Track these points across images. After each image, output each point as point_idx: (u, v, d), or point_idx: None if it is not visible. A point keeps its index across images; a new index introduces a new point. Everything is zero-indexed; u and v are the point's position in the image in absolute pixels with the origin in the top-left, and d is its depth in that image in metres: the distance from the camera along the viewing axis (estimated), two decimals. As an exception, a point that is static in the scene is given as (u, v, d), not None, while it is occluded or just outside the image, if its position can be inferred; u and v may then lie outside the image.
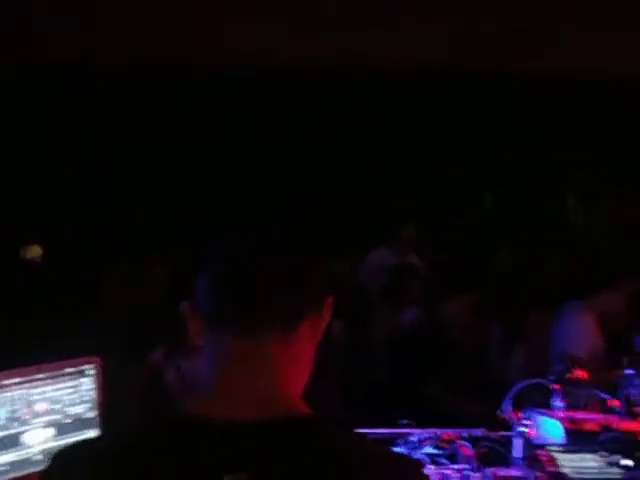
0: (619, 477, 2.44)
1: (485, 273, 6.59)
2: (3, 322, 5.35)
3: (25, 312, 5.36)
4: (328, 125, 8.89)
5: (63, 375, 2.11)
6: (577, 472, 2.49)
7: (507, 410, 2.71)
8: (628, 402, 2.74)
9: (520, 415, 2.70)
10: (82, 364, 2.17)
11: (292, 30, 8.18)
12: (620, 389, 2.83)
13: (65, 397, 2.10)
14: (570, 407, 2.78)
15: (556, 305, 4.88)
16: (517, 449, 2.63)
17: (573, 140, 8.77)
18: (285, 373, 1.25)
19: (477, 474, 2.54)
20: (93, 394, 2.17)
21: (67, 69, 8.18)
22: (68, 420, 2.11)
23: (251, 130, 8.90)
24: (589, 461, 2.53)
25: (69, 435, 2.10)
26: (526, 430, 2.63)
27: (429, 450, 2.62)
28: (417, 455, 2.61)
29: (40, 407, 2.04)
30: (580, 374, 2.80)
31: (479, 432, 2.72)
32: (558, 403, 2.76)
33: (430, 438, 2.64)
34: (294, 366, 1.27)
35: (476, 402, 3.76)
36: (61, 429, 2.08)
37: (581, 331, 4.75)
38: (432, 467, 2.59)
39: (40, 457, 2.01)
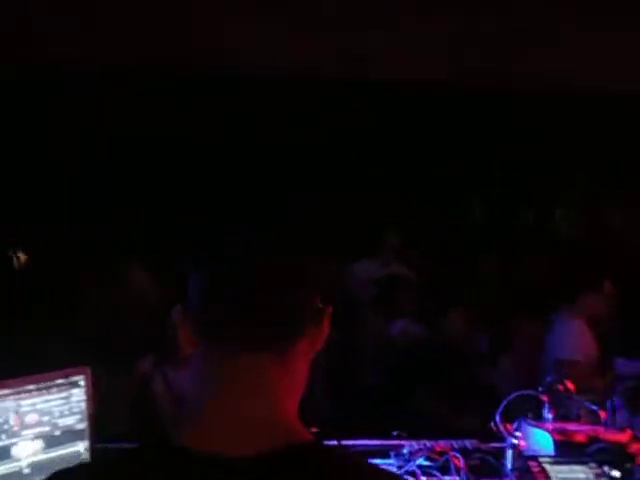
0: (608, 488, 2.45)
1: (471, 281, 6.61)
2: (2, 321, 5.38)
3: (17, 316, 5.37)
4: (328, 125, 8.88)
5: (53, 386, 2.11)
6: (567, 484, 2.51)
7: (499, 421, 2.71)
8: (614, 413, 2.75)
9: (511, 427, 2.71)
10: (73, 374, 2.16)
11: (292, 30, 8.17)
12: (608, 399, 2.84)
13: (55, 408, 2.10)
14: (561, 418, 2.79)
15: (542, 313, 4.91)
16: (508, 460, 2.63)
17: (573, 140, 8.75)
18: (283, 392, 1.20)
19: (469, 486, 2.55)
20: (83, 405, 2.16)
21: (67, 69, 8.17)
22: (58, 432, 2.10)
23: (251, 130, 8.89)
24: (578, 472, 2.54)
25: (59, 447, 2.09)
26: (517, 442, 2.64)
27: (421, 462, 2.62)
28: (409, 467, 2.61)
29: (30, 419, 2.03)
30: (570, 385, 2.81)
31: (471, 444, 2.73)
32: (547, 414, 2.77)
33: (422, 450, 2.64)
34: (291, 383, 1.23)
35: (466, 414, 3.77)
36: (51, 441, 2.07)
37: (575, 336, 4.77)
38: (424, 479, 2.59)
39: (29, 470, 2.01)
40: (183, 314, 1.24)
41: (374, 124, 8.97)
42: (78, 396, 2.16)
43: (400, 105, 8.83)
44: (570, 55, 8.12)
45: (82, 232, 7.85)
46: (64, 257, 7.16)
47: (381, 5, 8.20)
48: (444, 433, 2.83)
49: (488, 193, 10.05)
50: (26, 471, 2.00)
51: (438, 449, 2.65)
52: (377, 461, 2.61)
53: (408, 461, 2.62)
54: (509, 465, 2.63)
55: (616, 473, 2.36)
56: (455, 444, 2.69)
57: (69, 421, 2.13)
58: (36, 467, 2.01)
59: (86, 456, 2.12)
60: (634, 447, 2.53)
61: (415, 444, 2.69)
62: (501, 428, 2.67)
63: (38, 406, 2.06)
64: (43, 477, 1.19)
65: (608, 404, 2.81)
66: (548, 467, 2.57)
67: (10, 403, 1.97)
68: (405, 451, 2.67)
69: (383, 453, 2.68)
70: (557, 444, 2.66)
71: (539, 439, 2.72)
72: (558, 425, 2.75)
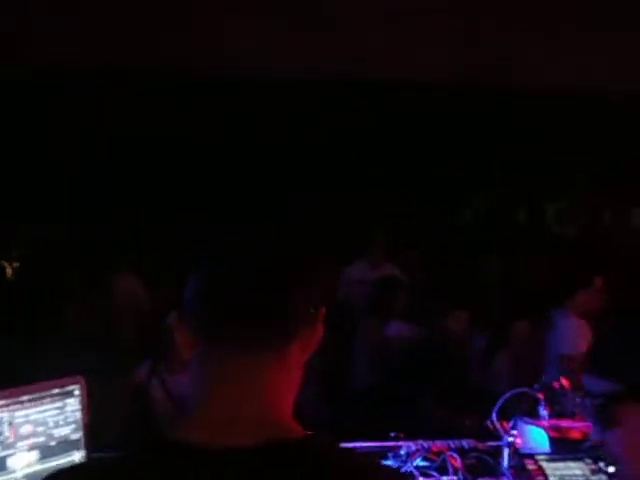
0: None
1: (471, 281, 6.62)
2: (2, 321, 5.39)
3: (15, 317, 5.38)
4: (328, 125, 8.88)
5: (48, 396, 2.10)
6: (563, 480, 2.51)
7: (495, 420, 2.72)
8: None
9: (507, 425, 2.72)
10: (68, 384, 2.16)
11: (292, 30, 8.16)
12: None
13: (50, 419, 2.09)
14: (557, 415, 2.80)
15: (541, 312, 4.94)
16: (505, 459, 2.64)
17: (573, 140, 8.75)
18: (278, 392, 1.22)
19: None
20: (78, 415, 2.15)
21: (67, 69, 8.17)
22: (53, 442, 2.09)
23: (251, 130, 8.89)
24: (574, 469, 2.54)
25: (54, 458, 2.08)
26: (513, 440, 2.65)
27: (419, 462, 2.63)
28: (407, 468, 2.62)
29: (24, 430, 2.03)
30: (565, 382, 2.82)
31: (467, 443, 2.73)
32: (543, 412, 2.78)
33: (419, 450, 2.65)
34: (286, 383, 1.24)
35: (464, 414, 3.78)
36: (46, 452, 2.07)
37: (576, 331, 4.82)
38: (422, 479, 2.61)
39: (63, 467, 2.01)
40: (179, 318, 1.25)
41: (374, 124, 8.96)
42: (72, 406, 2.15)
43: (400, 105, 8.82)
44: (570, 55, 8.11)
45: (82, 232, 7.86)
46: (64, 257, 7.17)
47: (381, 5, 8.18)
48: (441, 433, 2.84)
49: (488, 193, 10.04)
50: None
51: (435, 449, 2.66)
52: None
53: (406, 462, 2.63)
54: (506, 463, 2.63)
55: (611, 469, 2.37)
56: (452, 444, 2.70)
57: (64, 431, 2.13)
58: (32, 478, 2.01)
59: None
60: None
61: (412, 445, 2.70)
62: (497, 426, 2.68)
63: (32, 417, 2.05)
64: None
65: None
66: (544, 464, 2.58)
67: (4, 414, 1.97)
68: (402, 452, 2.68)
69: (381, 455, 2.69)
70: (552, 441, 2.67)
71: (535, 437, 2.73)
72: (553, 422, 2.75)
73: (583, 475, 2.51)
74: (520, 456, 2.66)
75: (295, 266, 1.26)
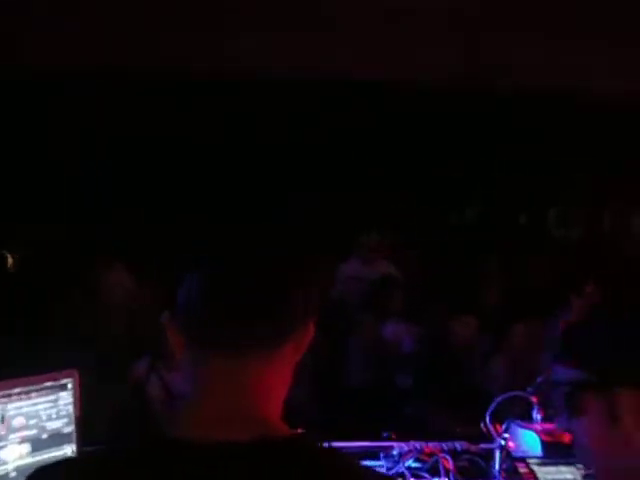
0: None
1: (471, 282, 6.61)
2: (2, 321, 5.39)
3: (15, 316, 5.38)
4: (328, 125, 8.88)
5: (41, 389, 2.10)
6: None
7: (488, 423, 2.71)
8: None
9: (500, 428, 2.71)
10: (61, 378, 2.16)
11: (292, 30, 8.15)
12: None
13: (42, 412, 2.09)
14: (550, 419, 2.79)
15: (541, 313, 4.93)
16: (497, 462, 2.63)
17: (573, 140, 8.74)
18: (266, 393, 1.22)
19: (458, 487, 2.55)
20: (71, 408, 2.15)
21: (67, 69, 8.18)
22: (45, 435, 2.09)
23: (251, 130, 8.89)
24: (566, 473, 2.54)
25: (46, 451, 2.08)
26: (505, 443, 2.64)
27: (410, 463, 2.62)
28: (398, 468, 2.61)
29: (16, 422, 2.03)
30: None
31: (460, 445, 2.73)
32: (536, 415, 2.77)
33: (411, 451, 2.64)
34: (275, 385, 1.24)
35: (458, 418, 3.77)
36: (38, 445, 2.07)
37: None
38: (413, 481, 2.60)
39: (15, 474, 2.00)
40: (172, 318, 1.25)
41: (374, 124, 8.96)
42: (65, 399, 2.15)
43: (400, 105, 8.82)
44: (570, 55, 8.10)
45: (82, 232, 7.86)
46: (64, 257, 7.17)
47: (381, 5, 8.18)
48: (434, 435, 2.83)
49: (488, 193, 10.03)
50: (13, 475, 2.00)
51: (427, 451, 2.65)
52: (367, 462, 2.61)
53: (397, 462, 2.62)
54: (497, 466, 2.63)
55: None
56: (444, 446, 2.69)
57: (56, 424, 2.13)
58: (23, 471, 2.01)
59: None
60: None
61: (405, 445, 2.69)
62: (490, 429, 2.67)
63: (25, 409, 2.05)
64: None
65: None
66: (536, 468, 2.57)
67: (-4, 407, 1.97)
68: (395, 452, 2.67)
69: (373, 454, 2.68)
70: (545, 445, 2.67)
71: (527, 440, 2.72)
72: (546, 426, 2.75)
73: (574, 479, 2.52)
74: (512, 459, 2.66)
75: (294, 266, 1.26)
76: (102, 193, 8.63)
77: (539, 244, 8.73)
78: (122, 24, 8.00)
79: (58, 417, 2.13)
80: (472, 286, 6.48)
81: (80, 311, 5.13)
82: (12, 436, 2.02)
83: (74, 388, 2.17)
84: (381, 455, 2.68)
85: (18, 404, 2.04)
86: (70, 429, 2.15)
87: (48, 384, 2.12)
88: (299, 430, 2.79)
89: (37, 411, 2.08)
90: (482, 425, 2.71)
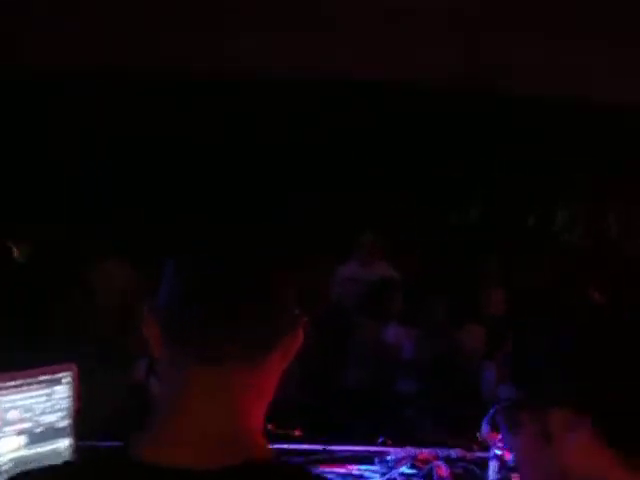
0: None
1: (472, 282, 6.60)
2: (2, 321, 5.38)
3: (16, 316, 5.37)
4: (328, 125, 8.88)
5: (37, 383, 2.10)
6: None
7: (485, 431, 2.69)
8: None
9: (497, 436, 2.69)
10: (58, 372, 2.15)
11: (292, 30, 8.17)
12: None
13: (38, 405, 2.09)
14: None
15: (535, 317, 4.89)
16: (492, 471, 2.61)
17: (573, 140, 8.75)
18: (247, 407, 1.13)
19: (452, 495, 2.53)
20: (67, 403, 2.15)
21: (67, 69, 8.19)
22: (40, 429, 2.09)
23: (251, 130, 8.89)
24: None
25: (41, 444, 2.08)
26: (501, 452, 2.61)
27: (405, 470, 2.60)
28: (392, 474, 2.59)
29: (12, 415, 2.03)
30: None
31: (455, 452, 2.71)
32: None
33: (406, 457, 2.62)
34: (258, 396, 1.16)
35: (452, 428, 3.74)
36: (33, 438, 2.07)
37: None
38: (407, 487, 2.58)
39: (10, 466, 2.00)
40: (151, 310, 1.16)
41: (374, 124, 8.96)
42: (61, 393, 2.14)
43: (400, 105, 8.82)
44: (570, 55, 8.11)
45: (82, 232, 7.86)
46: (63, 257, 7.17)
47: (381, 5, 8.19)
48: (430, 441, 2.81)
49: (488, 193, 10.03)
50: (7, 467, 2.00)
51: (422, 457, 2.62)
52: (361, 467, 2.60)
53: (392, 468, 2.60)
54: (493, 476, 2.60)
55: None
56: (440, 452, 2.67)
57: (52, 418, 2.12)
58: (17, 463, 2.01)
59: (68, 454, 2.11)
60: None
61: (400, 451, 2.67)
62: (488, 437, 2.65)
63: (20, 402, 2.05)
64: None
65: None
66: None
67: (-8, 399, 1.97)
68: (389, 458, 2.65)
69: (367, 459, 2.66)
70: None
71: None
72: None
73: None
74: (508, 469, 2.63)
75: (285, 267, 1.18)
76: (102, 193, 8.64)
77: (539, 245, 8.73)
78: (122, 24, 8.02)
79: (53, 411, 2.12)
80: (474, 288, 6.45)
81: (80, 311, 5.11)
82: (7, 429, 2.01)
83: (70, 382, 2.16)
84: (376, 460, 2.66)
85: (13, 397, 2.03)
86: (65, 423, 2.14)
87: (43, 378, 2.11)
88: (297, 432, 2.79)
89: (32, 404, 2.07)
90: (477, 434, 2.69)
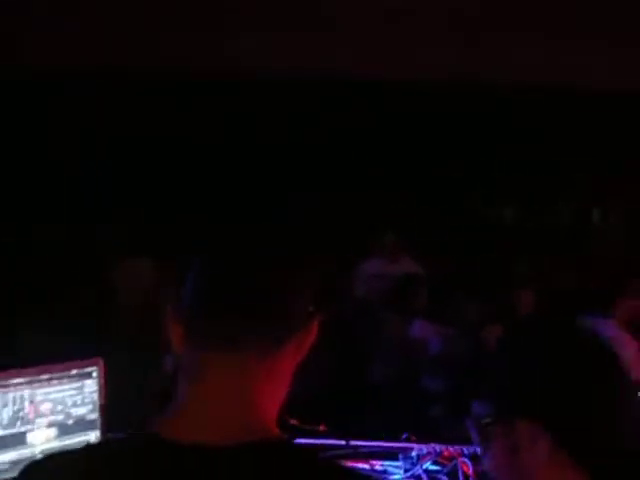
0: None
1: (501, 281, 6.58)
2: (3, 321, 5.37)
3: (24, 311, 5.36)
4: (328, 125, 8.89)
5: (68, 376, 2.12)
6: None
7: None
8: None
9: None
10: (87, 366, 2.17)
11: (292, 30, 8.17)
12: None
13: (68, 398, 2.11)
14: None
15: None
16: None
17: (573, 140, 8.77)
18: (263, 394, 1.20)
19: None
20: (96, 396, 2.17)
21: (67, 69, 8.17)
22: (71, 421, 2.11)
23: (251, 130, 8.89)
24: None
25: (71, 436, 2.11)
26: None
27: (429, 466, 2.59)
28: (416, 470, 2.58)
29: (44, 407, 2.05)
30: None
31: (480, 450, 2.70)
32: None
33: (430, 454, 2.61)
34: (273, 386, 1.22)
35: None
36: (63, 430, 2.09)
37: (621, 335, 4.68)
38: (429, 483, 2.57)
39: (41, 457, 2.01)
40: (174, 311, 1.24)
41: (374, 124, 8.97)
42: (90, 387, 2.17)
43: (400, 105, 8.83)
44: (570, 55, 8.13)
45: (82, 232, 7.85)
46: (64, 256, 7.16)
47: (381, 5, 8.20)
48: (455, 438, 2.80)
49: (488, 193, 10.05)
50: (39, 457, 2.01)
51: (447, 454, 2.61)
52: (385, 462, 2.60)
53: (415, 464, 2.59)
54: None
55: None
56: (466, 450, 2.66)
57: (82, 411, 2.14)
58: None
59: (96, 445, 2.13)
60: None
61: (424, 448, 2.66)
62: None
63: (52, 395, 2.08)
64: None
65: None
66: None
67: (25, 392, 1.99)
68: (413, 454, 2.64)
69: (391, 455, 2.66)
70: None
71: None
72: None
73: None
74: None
75: (294, 266, 1.25)
76: (102, 193, 8.62)
77: (540, 244, 8.73)
78: (122, 24, 8.01)
79: (83, 404, 2.14)
80: (505, 288, 6.43)
81: (92, 310, 5.11)
82: (39, 420, 2.04)
83: (99, 376, 2.18)
84: (400, 456, 2.66)
85: (46, 390, 2.06)
86: (94, 416, 2.16)
87: (74, 372, 2.13)
88: (321, 427, 2.78)
89: (63, 397, 2.10)
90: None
